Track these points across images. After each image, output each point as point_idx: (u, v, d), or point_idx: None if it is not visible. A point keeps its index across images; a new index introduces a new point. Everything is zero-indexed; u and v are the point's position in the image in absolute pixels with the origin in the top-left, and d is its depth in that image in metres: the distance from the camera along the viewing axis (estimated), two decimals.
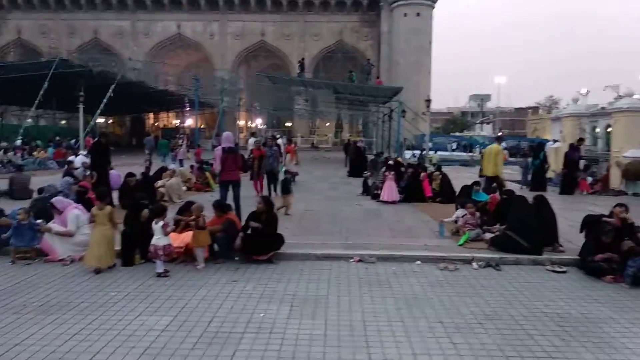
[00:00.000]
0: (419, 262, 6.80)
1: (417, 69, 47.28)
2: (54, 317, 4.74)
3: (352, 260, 6.84)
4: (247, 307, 5.09)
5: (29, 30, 53.47)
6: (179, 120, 54.24)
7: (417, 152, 28.58)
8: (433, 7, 49.47)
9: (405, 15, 48.18)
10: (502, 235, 7.23)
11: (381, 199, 12.09)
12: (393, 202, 11.88)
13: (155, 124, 58.80)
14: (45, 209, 7.79)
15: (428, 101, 28.91)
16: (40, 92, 24.11)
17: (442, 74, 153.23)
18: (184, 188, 13.25)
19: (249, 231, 6.85)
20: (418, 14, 48.07)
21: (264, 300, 5.30)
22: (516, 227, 7.04)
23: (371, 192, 13.25)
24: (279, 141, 18.28)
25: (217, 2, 51.80)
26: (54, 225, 7.14)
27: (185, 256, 6.69)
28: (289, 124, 58.70)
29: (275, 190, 12.44)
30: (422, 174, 13.06)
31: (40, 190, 9.04)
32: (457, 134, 52.53)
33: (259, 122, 60.04)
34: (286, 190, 10.18)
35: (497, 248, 7.09)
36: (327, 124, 61.42)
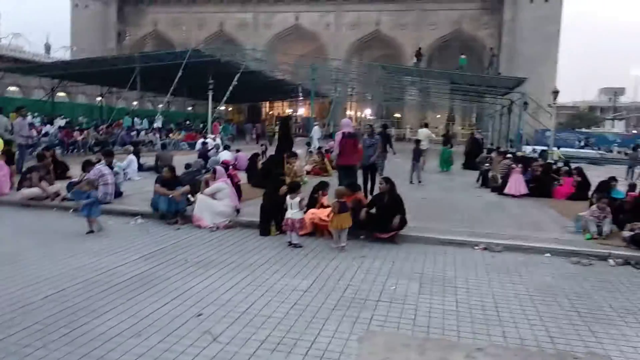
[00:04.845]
0: (548, 254, 6.63)
1: (542, 60, 44.21)
2: (212, 272, 5.44)
3: (477, 247, 6.86)
4: (378, 280, 5.40)
5: (163, 23, 58.88)
6: (292, 109, 56.38)
7: (539, 148, 26.89)
8: None
9: (531, 1, 45.25)
10: None
11: (507, 191, 11.71)
12: (517, 196, 11.48)
13: (270, 112, 61.70)
14: (191, 182, 8.83)
15: (555, 93, 26.95)
16: (175, 80, 26.55)
17: (569, 66, 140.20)
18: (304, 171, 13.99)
19: (374, 210, 7.16)
20: (546, 0, 44.90)
21: (393, 275, 5.57)
22: None
23: (490, 184, 12.93)
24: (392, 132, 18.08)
25: None
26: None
27: (315, 231, 7.20)
28: (398, 115, 58.20)
29: (372, 190, 10.25)
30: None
31: (187, 166, 10.17)
32: (584, 130, 48.19)
33: (368, 113, 60.29)
34: None
35: (638, 246, 6.67)
36: (438, 116, 59.91)
